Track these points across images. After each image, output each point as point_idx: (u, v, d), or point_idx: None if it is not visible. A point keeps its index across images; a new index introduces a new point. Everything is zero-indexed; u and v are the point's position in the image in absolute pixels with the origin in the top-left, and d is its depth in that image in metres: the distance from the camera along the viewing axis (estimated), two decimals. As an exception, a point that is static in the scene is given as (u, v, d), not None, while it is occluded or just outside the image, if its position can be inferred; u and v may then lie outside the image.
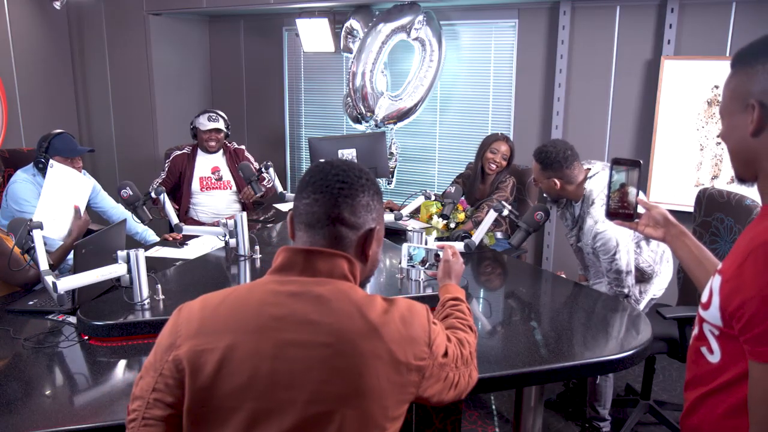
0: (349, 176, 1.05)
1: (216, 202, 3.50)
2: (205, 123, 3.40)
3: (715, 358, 0.91)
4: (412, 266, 1.92)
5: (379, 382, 0.96)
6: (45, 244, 1.88)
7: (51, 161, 2.52)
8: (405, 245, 1.93)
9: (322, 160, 1.10)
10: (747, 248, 0.84)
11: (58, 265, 2.32)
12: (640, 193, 1.37)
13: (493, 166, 3.25)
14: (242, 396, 0.94)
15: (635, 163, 1.36)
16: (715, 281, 0.89)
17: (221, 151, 3.53)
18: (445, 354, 1.09)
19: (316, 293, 0.99)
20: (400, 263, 2.15)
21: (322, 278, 1.02)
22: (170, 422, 0.97)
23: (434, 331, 1.06)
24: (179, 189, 3.50)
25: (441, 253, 1.63)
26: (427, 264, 1.89)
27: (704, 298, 0.93)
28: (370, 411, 0.95)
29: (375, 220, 1.08)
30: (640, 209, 1.37)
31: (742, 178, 0.98)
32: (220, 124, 3.42)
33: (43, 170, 2.70)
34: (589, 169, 2.38)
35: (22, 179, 2.72)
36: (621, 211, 1.38)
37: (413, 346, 1.01)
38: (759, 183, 0.95)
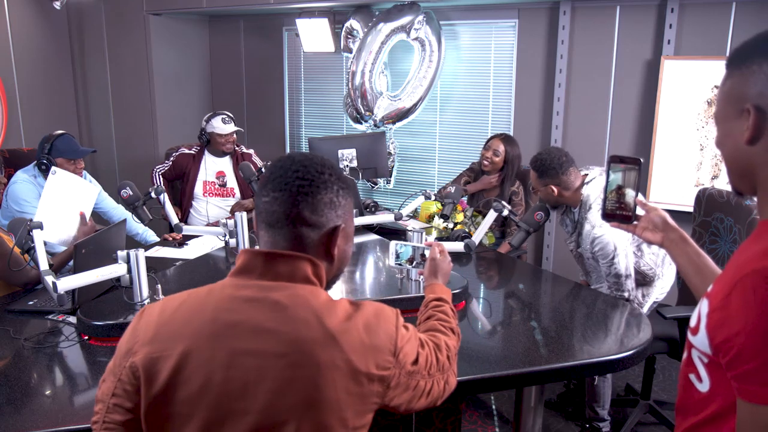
0: (309, 172, 0.99)
1: (217, 211, 3.47)
2: (222, 127, 3.34)
3: (704, 387, 0.86)
4: (400, 265, 1.85)
5: (336, 393, 0.92)
6: (45, 244, 1.88)
7: (53, 168, 2.52)
8: (392, 243, 1.88)
9: (284, 154, 1.05)
10: (735, 276, 0.77)
11: (60, 269, 2.31)
12: (639, 193, 1.27)
13: (486, 163, 3.28)
14: (195, 404, 0.92)
15: (635, 161, 1.26)
16: (704, 306, 0.82)
17: (228, 155, 3.51)
18: (416, 361, 1.03)
19: (273, 299, 0.95)
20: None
21: (282, 282, 0.97)
22: (130, 426, 0.96)
23: (402, 337, 1.01)
24: (182, 191, 3.49)
25: (428, 252, 1.57)
26: (415, 262, 1.83)
27: (692, 323, 0.86)
28: (328, 422, 0.92)
29: (341, 217, 1.03)
30: (639, 211, 1.27)
31: (738, 189, 0.90)
32: (234, 125, 3.40)
33: (45, 171, 2.70)
34: (587, 174, 2.41)
35: (22, 179, 2.72)
36: (618, 212, 1.28)
37: (375, 354, 0.96)
38: (758, 196, 0.86)
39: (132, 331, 0.99)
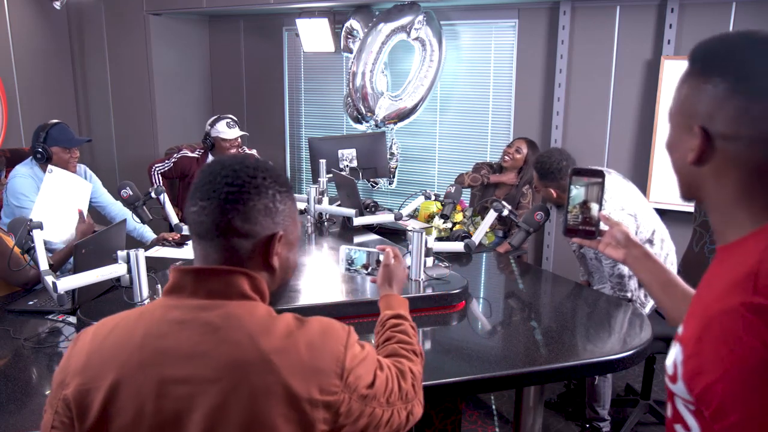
0: (239, 177, 0.91)
1: None
2: (228, 131, 3.32)
3: None
4: (356, 271, 1.66)
5: (273, 421, 0.84)
6: (45, 243, 1.88)
7: (50, 167, 2.53)
8: (342, 248, 1.66)
9: (216, 158, 0.97)
10: (703, 318, 0.72)
11: (59, 268, 2.31)
12: (604, 206, 1.25)
13: (507, 158, 3.35)
14: None
15: (597, 173, 1.20)
16: (678, 353, 0.76)
17: None
18: (371, 384, 0.94)
19: (203, 320, 0.88)
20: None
21: (216, 300, 0.89)
22: None
23: (353, 357, 0.92)
24: (182, 194, 3.48)
25: (382, 257, 1.42)
26: (370, 268, 1.63)
27: (669, 370, 0.79)
28: None
29: (280, 223, 0.95)
30: (603, 226, 1.21)
31: (686, 198, 0.86)
32: (239, 129, 3.37)
33: (41, 160, 2.68)
34: None
35: (21, 174, 2.71)
36: (581, 227, 1.21)
37: (318, 378, 0.87)
38: (710, 220, 0.82)
39: (66, 360, 0.92)
